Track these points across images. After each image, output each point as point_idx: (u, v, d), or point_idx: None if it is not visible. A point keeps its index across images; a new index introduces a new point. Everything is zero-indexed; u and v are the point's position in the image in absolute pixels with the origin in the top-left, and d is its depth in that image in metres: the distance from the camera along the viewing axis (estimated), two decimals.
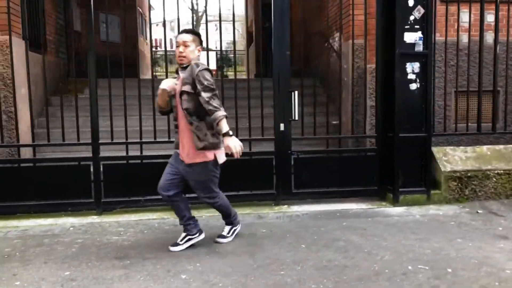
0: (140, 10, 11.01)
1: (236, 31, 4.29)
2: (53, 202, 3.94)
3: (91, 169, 3.95)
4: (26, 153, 5.10)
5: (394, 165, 4.14)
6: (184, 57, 2.95)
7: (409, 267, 2.77)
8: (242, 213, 4.01)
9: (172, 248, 3.10)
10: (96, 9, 3.93)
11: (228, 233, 3.28)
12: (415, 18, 4.00)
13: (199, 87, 2.86)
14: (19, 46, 4.77)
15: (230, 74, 14.02)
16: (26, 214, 3.97)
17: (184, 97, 2.93)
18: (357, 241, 3.28)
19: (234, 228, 3.33)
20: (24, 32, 5.39)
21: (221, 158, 3.07)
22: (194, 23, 30.03)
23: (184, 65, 2.97)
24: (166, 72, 4.39)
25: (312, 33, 7.75)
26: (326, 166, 4.29)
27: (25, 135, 5.01)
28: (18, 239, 3.43)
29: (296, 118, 4.12)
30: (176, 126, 3.07)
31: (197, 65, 2.92)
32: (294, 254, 3.02)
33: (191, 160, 2.99)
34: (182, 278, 2.65)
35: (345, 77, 5.65)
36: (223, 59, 18.18)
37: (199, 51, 3.03)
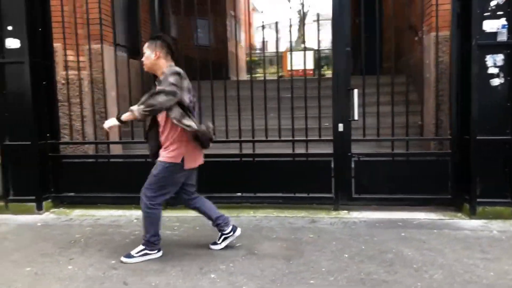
0: (232, 13, 11.40)
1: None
2: (124, 195, 4.28)
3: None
4: (115, 149, 5.67)
5: (471, 172, 3.63)
6: (144, 65, 2.99)
7: None
8: (296, 216, 3.92)
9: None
10: (189, 15, 4.16)
11: (219, 240, 3.16)
12: (497, 3, 3.45)
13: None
14: (110, 53, 5.32)
15: (328, 73, 13.77)
16: (104, 205, 4.42)
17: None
18: (409, 254, 2.96)
19: (225, 235, 3.13)
20: (115, 41, 6.00)
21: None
22: (298, 23, 30.35)
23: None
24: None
25: (403, 27, 7.20)
26: (392, 170, 3.96)
27: (113, 134, 5.58)
28: (89, 227, 3.82)
29: (356, 118, 3.86)
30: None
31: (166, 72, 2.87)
32: (332, 263, 2.84)
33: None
34: (210, 277, 2.68)
35: (427, 74, 5.13)
36: (321, 59, 17.94)
37: (156, 55, 2.90)
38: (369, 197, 4.00)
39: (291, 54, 4.73)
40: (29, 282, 2.68)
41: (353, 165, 3.97)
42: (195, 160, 2.97)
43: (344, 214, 3.95)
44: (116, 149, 5.66)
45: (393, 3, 4.40)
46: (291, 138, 4.09)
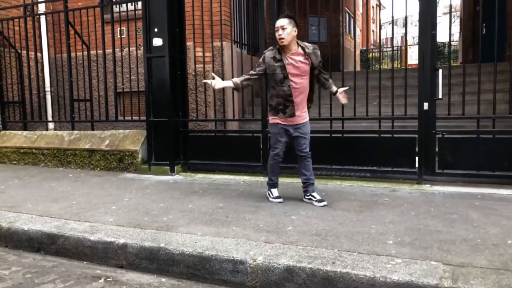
0: (347, 10, 11.77)
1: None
2: (235, 164, 5.21)
3: (261, 139, 5.02)
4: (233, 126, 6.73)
5: None
6: (283, 38, 3.52)
7: (509, 241, 2.64)
8: (379, 186, 4.33)
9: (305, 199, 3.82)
10: (304, 14, 4.91)
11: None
12: None
13: (318, 63, 3.61)
14: (229, 49, 6.36)
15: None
16: (220, 172, 5.40)
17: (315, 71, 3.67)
18: (475, 217, 3.20)
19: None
20: (234, 38, 7.04)
21: None
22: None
23: (285, 45, 3.55)
24: (392, 69, 5.00)
25: None
26: (477, 147, 4.09)
27: (236, 115, 6.64)
28: (207, 184, 4.80)
29: (440, 97, 4.10)
30: (289, 100, 3.61)
31: (309, 45, 3.63)
32: (396, 217, 3.26)
33: (303, 120, 3.73)
34: (291, 218, 3.35)
35: None
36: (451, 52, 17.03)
37: (295, 31, 3.57)
38: (452, 173, 4.19)
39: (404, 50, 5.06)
40: (162, 211, 3.70)
41: (437, 142, 4.21)
42: None
43: (426, 187, 4.22)
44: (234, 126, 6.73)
45: None
46: (377, 116, 4.50)
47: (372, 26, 27.07)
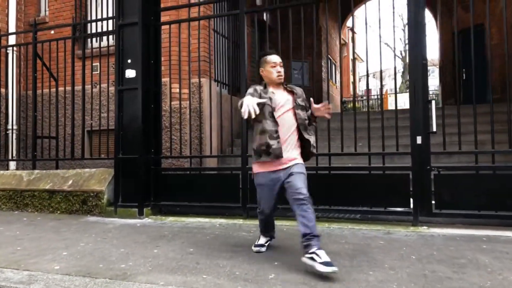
0: (331, 58, 11.87)
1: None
2: (211, 205, 4.70)
3: (240, 178, 4.56)
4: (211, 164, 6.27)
5: None
6: (282, 76, 3.15)
7: None
8: (372, 229, 3.87)
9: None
10: (287, 57, 4.59)
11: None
12: None
13: (305, 104, 3.18)
14: (208, 86, 6.05)
15: None
16: (195, 215, 4.87)
17: (299, 110, 3.12)
18: (486, 261, 2.76)
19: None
20: (214, 77, 6.78)
21: None
22: (402, 70, 29.79)
23: (280, 83, 3.16)
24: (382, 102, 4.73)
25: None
26: (477, 184, 3.72)
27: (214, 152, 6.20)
28: (178, 228, 4.25)
29: (434, 130, 3.79)
30: (277, 136, 3.00)
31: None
32: (396, 262, 2.79)
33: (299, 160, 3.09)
34: (273, 264, 2.84)
35: None
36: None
37: None
38: (451, 213, 3.79)
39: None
40: (121, 257, 3.13)
41: (433, 179, 3.84)
42: None
43: (423, 229, 3.79)
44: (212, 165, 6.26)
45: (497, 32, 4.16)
46: (367, 152, 4.14)
47: (351, 78, 27.72)
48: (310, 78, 9.99)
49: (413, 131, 3.91)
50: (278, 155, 2.96)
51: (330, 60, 12.59)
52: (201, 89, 6.21)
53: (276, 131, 3.00)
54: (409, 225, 3.90)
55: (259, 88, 3.12)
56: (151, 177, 4.99)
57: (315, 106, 3.13)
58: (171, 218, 4.77)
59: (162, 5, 5.25)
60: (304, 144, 3.10)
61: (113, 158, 5.08)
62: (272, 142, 2.96)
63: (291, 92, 3.15)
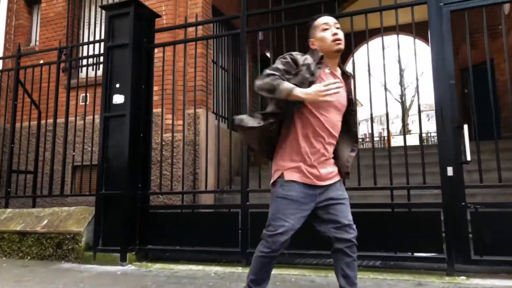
0: None
1: None
2: (205, 249, 4.03)
3: (239, 217, 3.93)
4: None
5: None
6: (342, 41, 2.23)
7: None
8: (398, 278, 3.21)
9: None
10: None
11: None
12: None
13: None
14: (205, 117, 5.53)
15: None
16: (186, 261, 4.18)
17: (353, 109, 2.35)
18: None
19: None
20: (212, 109, 6.29)
21: None
22: (402, 114, 29.73)
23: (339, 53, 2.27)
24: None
25: None
26: None
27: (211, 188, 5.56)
28: (165, 277, 3.57)
29: (469, 159, 3.22)
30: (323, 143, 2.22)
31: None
32: None
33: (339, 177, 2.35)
34: None
35: None
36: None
37: None
38: (494, 260, 3.13)
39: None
40: None
41: (469, 218, 3.23)
42: None
43: (461, 280, 3.12)
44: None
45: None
46: (388, 185, 3.54)
47: None
48: None
49: (442, 161, 3.34)
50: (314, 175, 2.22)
51: None
52: (197, 120, 5.69)
53: (319, 135, 2.23)
54: (443, 275, 3.23)
55: (308, 58, 2.22)
56: (137, 216, 4.34)
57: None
58: (158, 265, 4.07)
59: (156, 27, 4.82)
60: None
61: (95, 195, 4.46)
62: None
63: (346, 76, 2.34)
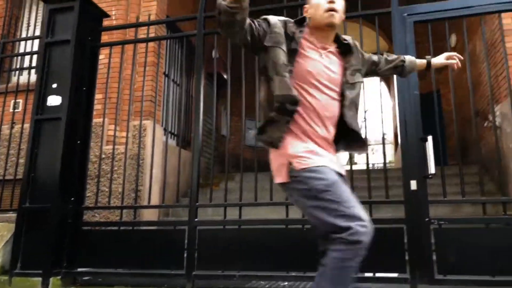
0: None
1: None
2: (145, 272, 3.54)
3: (186, 235, 3.50)
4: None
5: None
6: (337, 11, 1.89)
7: None
8: None
9: None
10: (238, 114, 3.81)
11: None
12: None
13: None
14: (152, 129, 5.11)
15: None
16: (123, 286, 3.64)
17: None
18: None
19: None
20: (161, 124, 5.89)
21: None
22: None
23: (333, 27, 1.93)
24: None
25: (468, 116, 6.64)
26: (491, 242, 2.96)
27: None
28: None
29: (433, 172, 3.08)
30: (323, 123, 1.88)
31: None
32: None
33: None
34: None
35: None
36: None
37: None
38: (459, 279, 2.94)
39: None
40: None
41: (432, 235, 3.05)
42: None
43: None
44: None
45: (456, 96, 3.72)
46: None
47: None
48: None
49: (406, 174, 3.17)
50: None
51: None
52: (144, 132, 5.25)
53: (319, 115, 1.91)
54: None
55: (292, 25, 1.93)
56: (66, 233, 3.76)
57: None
58: None
59: (105, 24, 4.43)
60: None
61: (17, 210, 3.84)
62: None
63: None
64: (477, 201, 3.29)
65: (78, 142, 4.01)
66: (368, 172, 3.32)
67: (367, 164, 3.40)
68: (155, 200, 5.17)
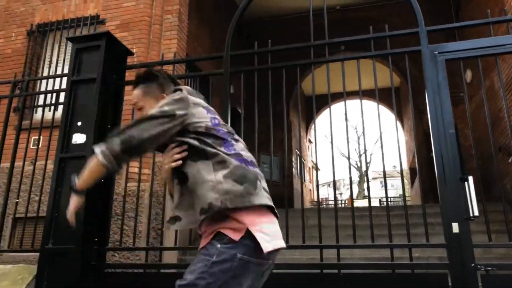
0: (298, 152, 11.50)
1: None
2: None
3: None
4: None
5: None
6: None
7: None
8: None
9: None
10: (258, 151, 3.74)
11: None
12: None
13: None
14: None
15: None
16: None
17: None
18: None
19: None
20: None
21: None
22: (358, 179, 30.28)
23: None
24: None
25: (488, 152, 6.51)
26: None
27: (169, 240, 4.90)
28: None
29: (476, 214, 2.94)
30: None
31: None
32: None
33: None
34: None
35: None
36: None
37: (161, 97, 1.92)
38: None
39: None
40: None
41: (480, 282, 2.88)
42: None
43: None
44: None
45: (474, 131, 3.70)
46: (387, 242, 3.15)
47: (309, 186, 27.59)
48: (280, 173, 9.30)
49: (445, 216, 3.04)
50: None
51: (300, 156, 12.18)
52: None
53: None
54: None
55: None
56: (90, 276, 3.63)
57: None
58: None
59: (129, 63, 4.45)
60: None
61: (39, 251, 3.73)
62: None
63: None
64: None
65: (102, 180, 3.93)
66: (406, 214, 3.18)
67: (405, 205, 3.26)
68: (171, 241, 5.02)
